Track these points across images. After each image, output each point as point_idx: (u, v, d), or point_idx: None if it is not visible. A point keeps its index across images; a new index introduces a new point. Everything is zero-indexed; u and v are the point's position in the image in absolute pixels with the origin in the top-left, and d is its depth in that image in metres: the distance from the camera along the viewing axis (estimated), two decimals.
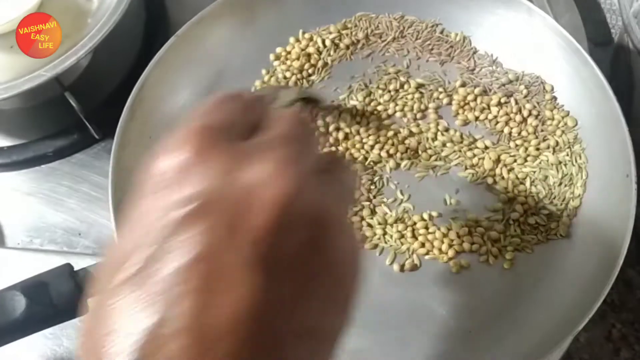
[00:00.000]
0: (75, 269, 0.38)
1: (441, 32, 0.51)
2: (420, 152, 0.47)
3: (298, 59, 0.50)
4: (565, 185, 0.45)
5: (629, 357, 0.50)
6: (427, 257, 0.44)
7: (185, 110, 0.48)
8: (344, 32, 0.51)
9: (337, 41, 0.51)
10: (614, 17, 0.58)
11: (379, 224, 0.45)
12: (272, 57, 0.51)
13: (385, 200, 0.46)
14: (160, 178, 0.21)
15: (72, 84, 0.51)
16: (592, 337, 0.51)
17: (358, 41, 0.51)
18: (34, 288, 0.36)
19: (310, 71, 0.50)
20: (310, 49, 0.50)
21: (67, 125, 0.52)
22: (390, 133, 0.47)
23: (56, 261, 0.48)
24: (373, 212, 0.45)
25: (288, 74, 0.50)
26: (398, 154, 0.47)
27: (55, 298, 0.36)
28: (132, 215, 0.22)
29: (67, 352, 0.45)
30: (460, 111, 0.48)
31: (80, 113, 0.51)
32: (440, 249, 0.44)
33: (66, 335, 0.46)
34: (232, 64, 0.50)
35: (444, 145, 0.47)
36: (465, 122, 0.48)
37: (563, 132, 0.47)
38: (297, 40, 0.51)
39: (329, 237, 0.22)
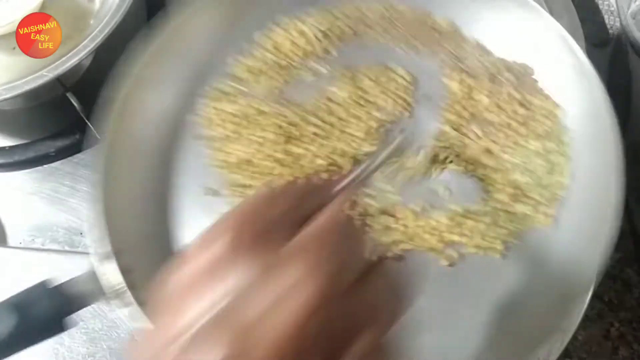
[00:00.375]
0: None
1: (431, 22, 0.51)
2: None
3: (279, 49, 0.50)
4: (553, 174, 0.45)
5: (627, 356, 0.50)
6: (413, 249, 0.44)
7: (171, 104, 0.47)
8: (332, 20, 0.50)
9: (324, 29, 0.50)
10: (612, 18, 0.58)
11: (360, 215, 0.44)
12: (257, 36, 0.49)
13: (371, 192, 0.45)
14: (186, 278, 0.22)
15: (73, 85, 0.51)
16: (591, 336, 0.51)
17: (345, 31, 0.50)
18: (24, 303, 0.36)
19: (295, 60, 0.49)
20: (296, 37, 0.50)
21: (68, 125, 0.53)
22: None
23: (58, 260, 0.49)
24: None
25: (270, 60, 0.49)
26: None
27: (35, 318, 0.36)
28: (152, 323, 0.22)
29: (68, 350, 0.46)
30: (453, 107, 0.48)
31: (82, 113, 0.51)
32: (428, 241, 0.44)
33: (67, 334, 0.46)
34: (216, 54, 0.49)
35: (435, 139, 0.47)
36: (459, 116, 0.48)
37: (551, 121, 0.47)
38: (283, 28, 0.50)
39: None
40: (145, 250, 0.42)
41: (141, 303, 0.38)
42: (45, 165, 0.53)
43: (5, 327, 0.35)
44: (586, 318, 0.46)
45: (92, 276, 0.38)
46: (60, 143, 0.53)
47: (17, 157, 0.53)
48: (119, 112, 0.43)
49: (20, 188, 0.52)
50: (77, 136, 0.52)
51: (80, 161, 0.53)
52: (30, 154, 0.53)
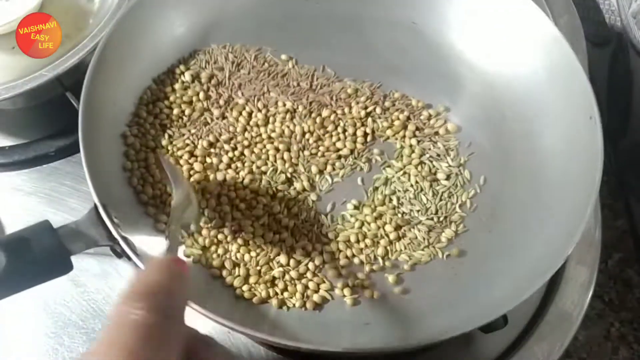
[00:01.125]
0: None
1: None
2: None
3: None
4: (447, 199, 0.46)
5: (627, 356, 0.50)
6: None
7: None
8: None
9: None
10: (613, 18, 0.58)
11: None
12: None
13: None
14: None
15: (73, 84, 0.51)
16: (591, 336, 0.51)
17: None
18: (14, 244, 0.36)
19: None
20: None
21: (68, 125, 0.53)
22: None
23: None
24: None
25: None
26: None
27: (38, 254, 0.36)
28: None
29: (68, 350, 0.46)
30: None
31: None
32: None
33: (67, 333, 0.46)
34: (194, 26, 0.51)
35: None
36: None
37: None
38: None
39: None
40: (128, 206, 0.43)
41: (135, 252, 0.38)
42: (45, 165, 0.53)
43: (11, 261, 0.35)
44: (587, 318, 0.46)
45: (94, 220, 0.38)
46: (60, 143, 0.53)
47: (16, 157, 0.53)
48: (100, 80, 0.44)
49: (19, 188, 0.52)
50: (77, 136, 0.52)
51: (79, 161, 0.52)
52: (30, 153, 0.53)
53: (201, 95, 0.48)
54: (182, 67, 0.49)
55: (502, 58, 0.49)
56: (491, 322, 0.38)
